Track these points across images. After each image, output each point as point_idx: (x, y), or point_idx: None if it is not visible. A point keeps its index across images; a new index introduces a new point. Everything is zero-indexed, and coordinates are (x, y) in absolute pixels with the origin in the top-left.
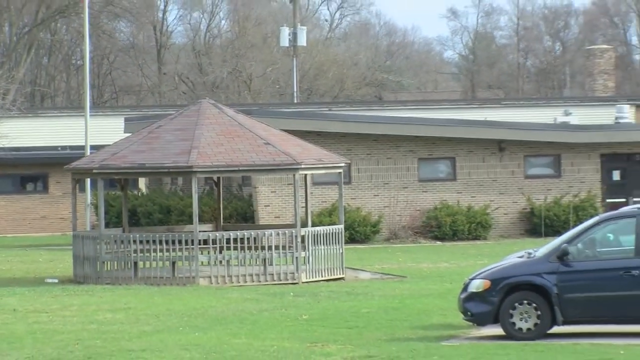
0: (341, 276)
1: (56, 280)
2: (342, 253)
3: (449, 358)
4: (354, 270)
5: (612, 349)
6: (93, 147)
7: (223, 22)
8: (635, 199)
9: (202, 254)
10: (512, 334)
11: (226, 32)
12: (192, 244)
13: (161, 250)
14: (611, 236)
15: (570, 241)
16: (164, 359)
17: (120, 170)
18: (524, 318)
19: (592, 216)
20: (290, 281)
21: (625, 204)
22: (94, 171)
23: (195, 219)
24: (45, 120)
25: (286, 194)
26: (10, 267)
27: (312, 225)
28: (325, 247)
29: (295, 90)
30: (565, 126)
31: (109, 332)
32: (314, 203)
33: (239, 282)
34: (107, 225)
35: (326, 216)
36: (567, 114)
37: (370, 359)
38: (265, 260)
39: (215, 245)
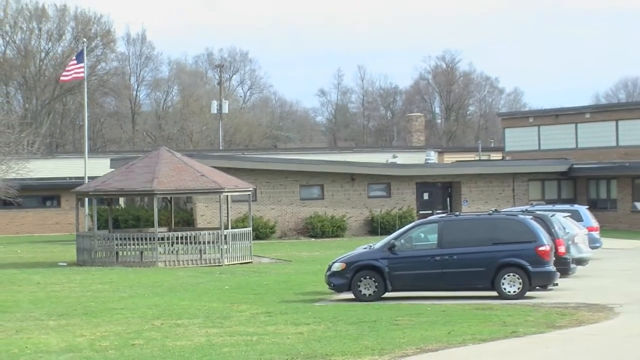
0: (250, 261)
1: (65, 264)
2: (250, 246)
3: (319, 313)
4: (258, 257)
5: (423, 306)
6: (90, 178)
7: (174, 97)
8: (437, 211)
9: (160, 246)
10: (359, 298)
11: (176, 104)
12: (154, 240)
13: (133, 244)
14: (422, 235)
15: (396, 238)
16: (135, 314)
17: (107, 192)
18: (367, 287)
19: (410, 222)
20: (217, 264)
21: (431, 214)
22: (90, 193)
23: (156, 224)
24: (58, 160)
25: (215, 208)
26: (35, 255)
27: (231, 228)
28: (240, 242)
29: (220, 141)
30: (394, 165)
31: (99, 297)
32: (232, 214)
33: (184, 265)
34: (98, 228)
35: (240, 222)
36: (394, 157)
37: (269, 314)
38: (201, 250)
39: (168, 241)
